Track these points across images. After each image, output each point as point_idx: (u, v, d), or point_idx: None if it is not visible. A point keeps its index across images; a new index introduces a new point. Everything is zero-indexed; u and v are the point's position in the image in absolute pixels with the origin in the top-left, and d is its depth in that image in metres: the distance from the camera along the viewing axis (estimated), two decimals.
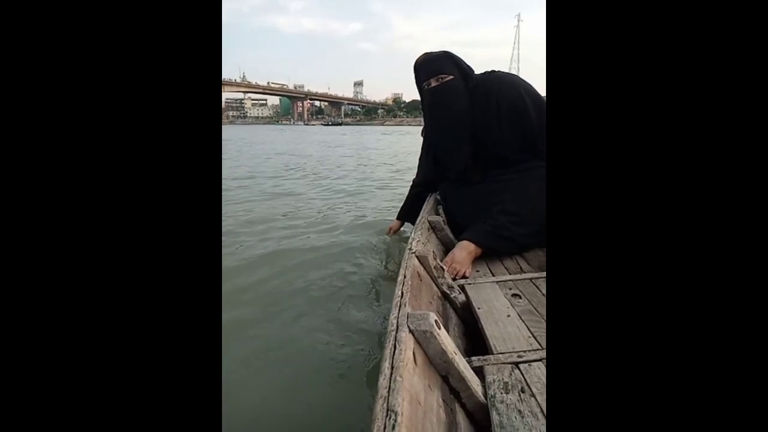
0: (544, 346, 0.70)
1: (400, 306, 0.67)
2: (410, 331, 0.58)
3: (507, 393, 0.59)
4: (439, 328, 0.59)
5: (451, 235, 1.34)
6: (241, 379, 1.03)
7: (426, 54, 1.34)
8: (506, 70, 1.39)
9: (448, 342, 0.60)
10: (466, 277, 1.08)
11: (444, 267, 0.99)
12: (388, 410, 0.44)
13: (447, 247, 1.29)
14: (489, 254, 1.18)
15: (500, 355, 0.69)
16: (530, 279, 0.99)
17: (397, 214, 1.90)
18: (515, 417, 0.55)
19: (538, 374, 0.63)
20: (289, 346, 1.17)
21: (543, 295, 0.90)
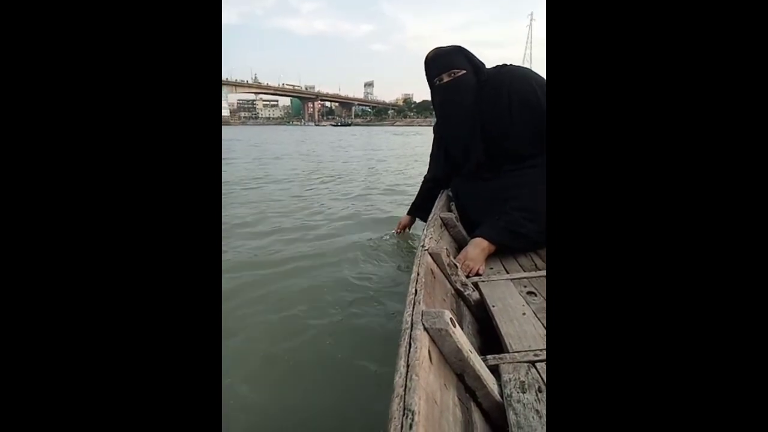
0: None
1: (414, 304, 0.66)
2: (425, 329, 0.58)
3: (524, 392, 0.58)
4: (454, 326, 0.58)
5: (464, 232, 1.32)
6: (254, 377, 1.03)
7: (437, 48, 1.32)
8: None
9: (463, 340, 0.59)
10: (480, 275, 1.06)
11: (457, 264, 0.98)
12: (404, 409, 0.43)
13: (460, 244, 1.28)
14: (503, 251, 1.17)
15: (516, 354, 0.67)
16: (545, 276, 0.97)
17: (407, 209, 1.88)
18: (533, 417, 0.54)
19: None
20: (301, 345, 1.17)
21: None
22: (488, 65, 1.31)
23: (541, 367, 0.63)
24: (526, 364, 0.64)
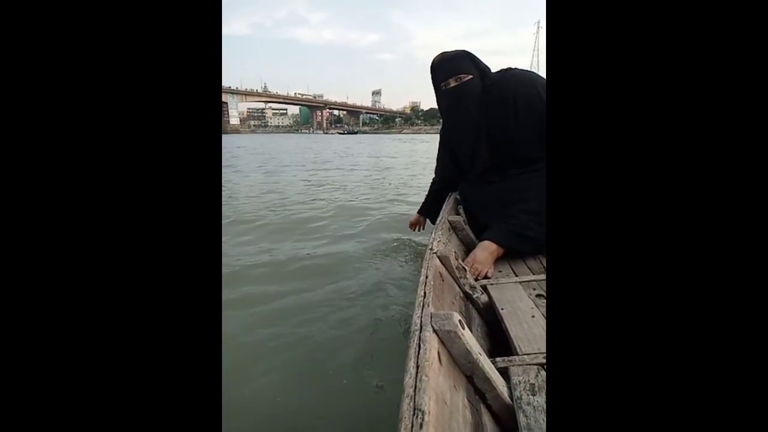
0: None
1: (423, 306, 0.66)
2: (434, 330, 0.58)
3: (534, 395, 0.58)
4: (463, 328, 0.58)
5: (472, 235, 1.32)
6: (263, 381, 1.03)
7: (443, 53, 1.32)
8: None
9: (472, 342, 0.59)
10: (489, 278, 1.06)
11: (466, 267, 0.98)
12: (415, 409, 0.43)
13: (468, 248, 1.27)
14: (511, 254, 1.16)
15: (525, 356, 0.67)
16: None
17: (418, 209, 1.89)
18: (543, 419, 0.53)
19: None
20: (311, 347, 1.18)
21: None
22: (494, 70, 1.32)
23: (546, 368, 0.63)
24: (535, 367, 0.63)
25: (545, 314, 0.80)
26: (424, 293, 0.72)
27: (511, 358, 0.67)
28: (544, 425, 0.52)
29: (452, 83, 1.29)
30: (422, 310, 0.64)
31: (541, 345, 0.69)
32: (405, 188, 4.25)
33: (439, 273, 0.87)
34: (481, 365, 0.58)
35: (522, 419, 0.53)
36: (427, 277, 0.79)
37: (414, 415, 0.42)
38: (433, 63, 1.33)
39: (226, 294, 1.47)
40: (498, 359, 0.66)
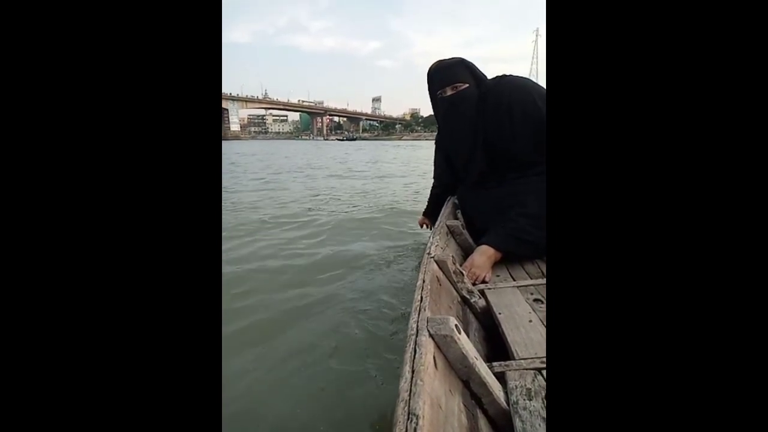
0: None
1: (419, 310, 0.66)
2: (430, 335, 0.58)
3: (530, 399, 0.57)
4: (459, 333, 0.58)
5: (470, 240, 1.32)
6: (257, 383, 1.03)
7: (440, 61, 1.34)
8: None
9: (468, 347, 0.59)
10: (486, 282, 1.06)
11: (463, 272, 0.98)
12: (409, 413, 0.43)
13: (466, 252, 1.27)
14: (509, 258, 1.16)
15: (522, 361, 0.67)
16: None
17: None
18: (539, 424, 0.53)
19: None
20: (305, 350, 1.17)
21: None
22: (490, 77, 1.33)
23: (546, 374, 0.62)
24: (532, 371, 0.63)
25: (543, 319, 0.80)
26: (421, 298, 0.72)
27: (507, 362, 0.67)
28: (539, 430, 0.52)
29: (448, 92, 1.30)
30: (419, 314, 0.64)
31: (539, 350, 0.69)
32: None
33: (437, 277, 0.87)
34: (477, 370, 0.57)
35: (518, 424, 0.53)
36: (424, 281, 0.79)
37: (408, 419, 0.42)
38: (429, 71, 1.35)
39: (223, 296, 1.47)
40: (495, 364, 0.66)
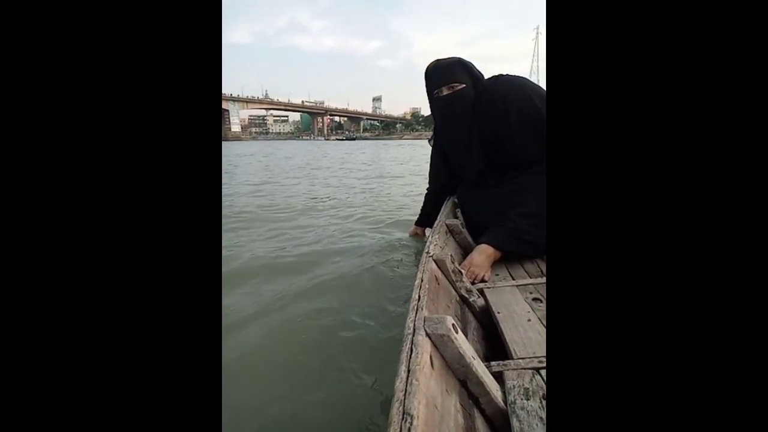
0: None
1: (417, 310, 0.66)
2: (427, 334, 0.57)
3: (528, 399, 0.57)
4: (457, 332, 0.58)
5: (469, 239, 1.32)
6: (251, 381, 1.03)
7: (437, 61, 1.34)
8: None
9: (466, 346, 0.58)
10: (485, 281, 1.05)
11: (462, 271, 0.97)
12: (404, 413, 0.42)
13: (465, 251, 1.27)
14: (509, 258, 1.16)
15: (520, 361, 0.66)
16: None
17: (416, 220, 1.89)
18: (536, 424, 0.52)
19: None
20: (302, 350, 1.17)
21: None
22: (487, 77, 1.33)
23: (546, 373, 0.62)
24: (530, 371, 0.63)
25: (541, 318, 0.79)
26: (419, 297, 0.71)
27: (505, 362, 0.66)
28: (537, 430, 0.51)
29: (445, 91, 1.30)
30: (416, 313, 0.64)
31: (537, 349, 0.69)
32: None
33: (435, 276, 0.87)
34: (474, 369, 0.57)
35: (515, 424, 0.53)
36: (422, 280, 0.79)
37: (403, 419, 0.42)
38: (427, 70, 1.34)
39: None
40: (493, 363, 0.65)
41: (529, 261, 1.17)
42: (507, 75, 1.30)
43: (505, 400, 0.57)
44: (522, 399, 0.57)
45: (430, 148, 1.65)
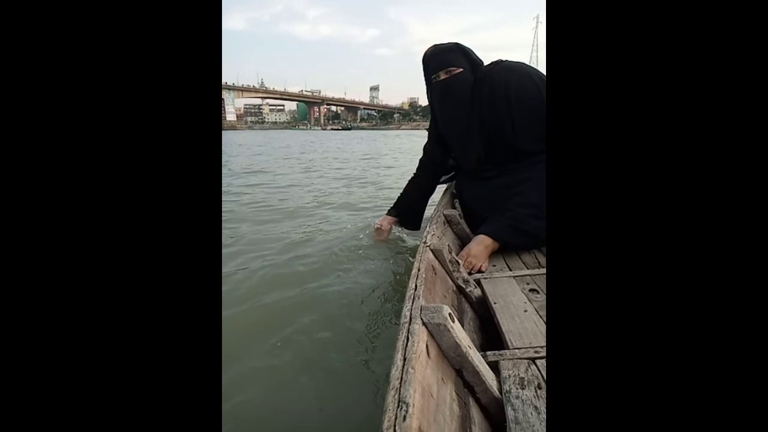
0: None
1: (413, 299, 0.66)
2: (423, 323, 0.57)
3: (523, 389, 0.57)
4: (453, 322, 0.58)
5: (467, 229, 1.32)
6: (246, 372, 1.03)
7: (435, 46, 1.32)
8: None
9: (462, 336, 0.58)
10: (482, 272, 1.06)
11: (459, 261, 0.97)
12: (399, 401, 0.42)
13: (463, 242, 1.27)
14: (506, 249, 1.16)
15: (516, 350, 0.66)
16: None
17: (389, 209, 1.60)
18: (531, 413, 0.53)
19: None
20: (295, 340, 1.17)
21: None
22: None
23: (541, 364, 0.62)
24: (526, 361, 0.63)
25: (538, 309, 0.80)
26: (415, 286, 0.71)
27: (501, 352, 0.67)
28: (531, 419, 0.52)
29: (442, 76, 1.28)
30: (412, 302, 0.63)
31: (533, 339, 0.69)
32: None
33: (432, 266, 0.86)
34: (470, 359, 0.57)
35: (510, 412, 0.53)
36: (419, 270, 0.78)
37: (398, 407, 0.42)
38: (425, 55, 1.33)
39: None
40: (488, 353, 0.66)
41: (527, 252, 1.17)
42: (507, 61, 1.28)
43: (500, 390, 0.58)
44: (517, 388, 0.57)
45: None
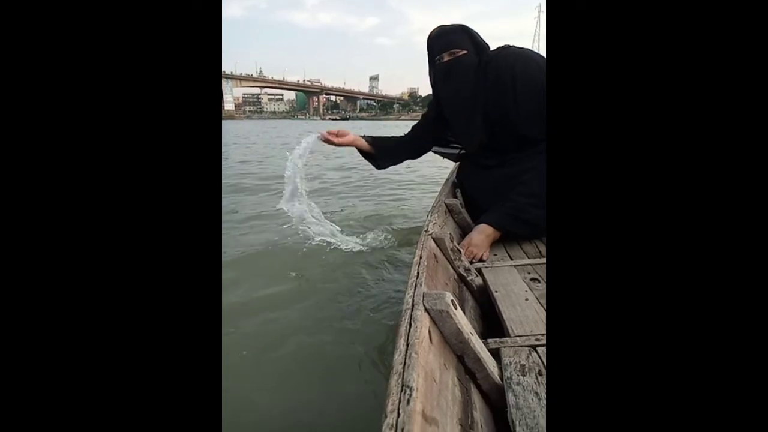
0: None
1: (415, 285, 0.66)
2: (426, 310, 0.57)
3: (524, 375, 0.58)
4: (456, 308, 0.58)
5: (468, 219, 1.31)
6: (250, 364, 1.03)
7: (440, 27, 1.29)
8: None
9: (464, 322, 0.59)
10: (484, 261, 1.06)
11: (461, 250, 0.97)
12: (403, 385, 0.43)
13: (464, 231, 1.27)
14: (507, 238, 1.16)
15: (517, 338, 0.67)
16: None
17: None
18: (532, 399, 0.53)
19: None
20: (295, 331, 1.17)
21: None
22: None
23: (542, 351, 0.63)
24: (527, 348, 0.64)
25: (539, 298, 0.80)
26: (417, 273, 0.71)
27: (503, 339, 0.67)
28: (532, 404, 0.52)
29: (446, 57, 1.26)
30: (414, 289, 0.64)
31: (534, 327, 0.69)
32: None
33: (434, 254, 0.86)
34: (472, 345, 0.57)
35: (511, 398, 0.53)
36: (421, 257, 0.79)
37: (402, 391, 0.42)
38: (429, 36, 1.30)
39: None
40: (490, 340, 0.66)
41: (528, 242, 1.17)
42: (514, 46, 1.26)
43: (501, 376, 0.58)
44: (518, 375, 0.58)
45: None
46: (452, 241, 0.95)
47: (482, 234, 1.11)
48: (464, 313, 0.70)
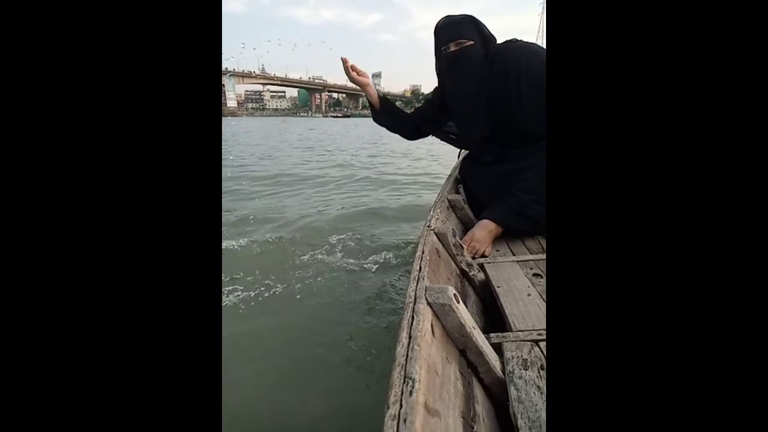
0: None
1: (418, 279, 0.66)
2: (428, 303, 0.57)
3: (526, 369, 0.58)
4: (458, 302, 0.58)
5: (471, 215, 1.31)
6: (251, 358, 1.04)
7: (447, 17, 1.28)
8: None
9: (466, 316, 0.59)
10: (486, 256, 1.06)
11: (463, 245, 0.97)
12: (405, 377, 0.43)
13: (467, 226, 1.27)
14: (510, 234, 1.16)
15: (520, 333, 0.67)
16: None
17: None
18: (534, 393, 0.53)
19: None
20: (296, 324, 1.17)
21: None
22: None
23: (544, 345, 0.63)
24: (529, 343, 0.64)
25: (541, 293, 0.80)
26: (420, 267, 0.71)
27: (505, 334, 0.67)
28: (534, 398, 0.52)
29: (452, 48, 1.25)
30: (417, 283, 0.64)
31: (536, 322, 0.69)
32: None
33: (436, 249, 0.87)
34: (474, 339, 0.57)
35: (513, 392, 0.53)
36: (423, 252, 0.79)
37: (404, 382, 0.42)
38: (436, 26, 1.29)
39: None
40: (492, 335, 0.66)
41: (530, 237, 1.17)
42: (521, 41, 1.25)
43: (503, 370, 0.58)
44: (520, 369, 0.58)
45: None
46: (455, 236, 0.95)
47: (484, 229, 1.10)
48: (466, 307, 0.70)
